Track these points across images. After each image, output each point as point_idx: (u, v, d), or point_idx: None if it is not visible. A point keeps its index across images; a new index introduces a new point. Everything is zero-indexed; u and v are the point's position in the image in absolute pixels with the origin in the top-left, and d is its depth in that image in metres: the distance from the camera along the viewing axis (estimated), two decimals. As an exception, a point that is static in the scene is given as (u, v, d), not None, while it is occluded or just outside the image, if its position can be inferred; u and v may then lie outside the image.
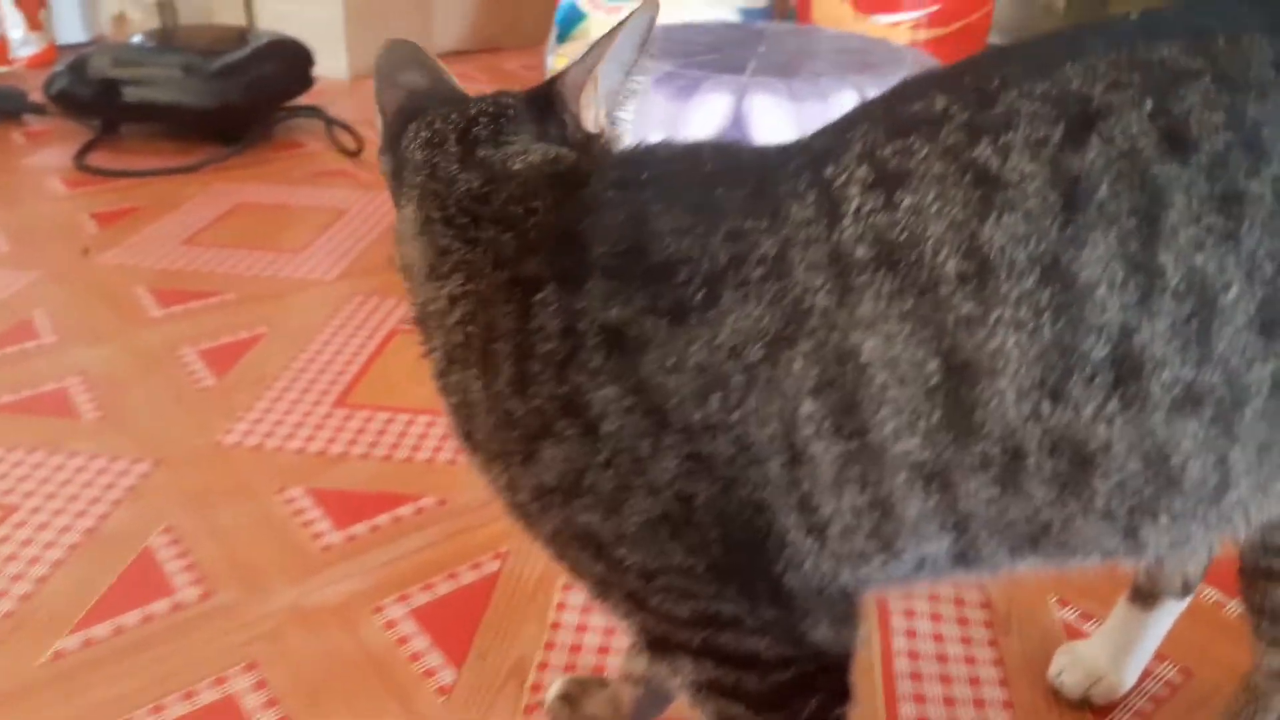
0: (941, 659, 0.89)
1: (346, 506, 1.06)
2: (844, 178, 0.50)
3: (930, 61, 1.69)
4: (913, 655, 0.89)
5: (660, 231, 0.52)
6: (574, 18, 2.40)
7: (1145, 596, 0.82)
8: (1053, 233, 0.47)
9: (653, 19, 0.60)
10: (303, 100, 2.22)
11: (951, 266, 0.48)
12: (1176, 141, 0.48)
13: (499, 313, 0.55)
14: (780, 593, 0.53)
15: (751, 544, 0.52)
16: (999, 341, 0.47)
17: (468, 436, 0.59)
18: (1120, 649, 0.84)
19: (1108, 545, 0.53)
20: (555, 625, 0.92)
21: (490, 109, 0.62)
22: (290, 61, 2.22)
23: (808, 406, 0.49)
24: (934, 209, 0.48)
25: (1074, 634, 0.91)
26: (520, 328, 0.54)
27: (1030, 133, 0.48)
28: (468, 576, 0.97)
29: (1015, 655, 0.89)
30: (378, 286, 1.54)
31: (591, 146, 0.61)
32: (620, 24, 0.59)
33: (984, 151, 0.48)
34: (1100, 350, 0.47)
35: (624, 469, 0.52)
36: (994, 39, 2.65)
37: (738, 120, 1.47)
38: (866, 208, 0.49)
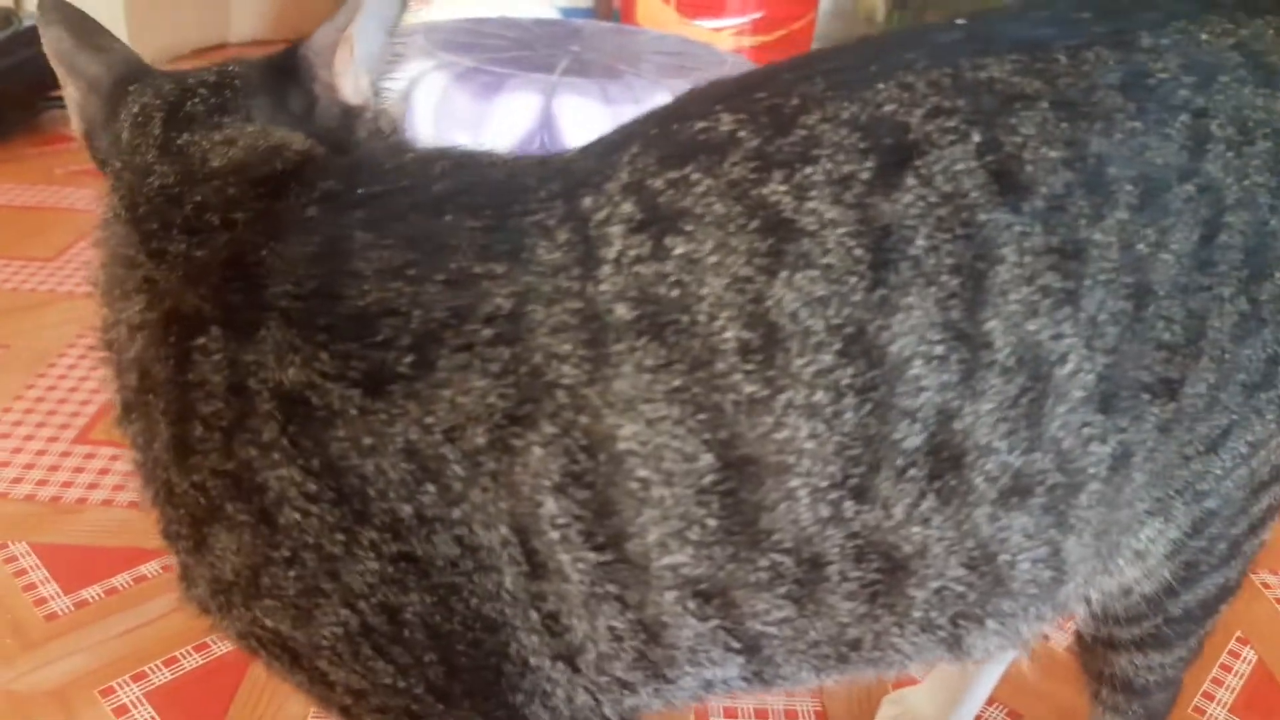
0: (760, 714, 0.81)
1: (80, 565, 0.90)
2: (605, 213, 0.40)
3: (749, 67, 1.64)
4: (729, 714, 0.81)
5: (360, 270, 0.40)
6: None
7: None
8: (858, 295, 0.38)
9: None
10: (70, 90, 1.99)
11: (731, 334, 0.38)
12: (1008, 183, 0.39)
13: (153, 357, 0.42)
14: None
15: (483, 668, 0.42)
16: (790, 430, 0.38)
17: (156, 502, 0.46)
18: (951, 696, 0.78)
19: (928, 655, 0.46)
20: (323, 701, 0.79)
21: (212, 79, 0.49)
22: (56, 47, 1.98)
23: (550, 507, 0.39)
24: (712, 260, 0.38)
25: (899, 680, 0.85)
26: (177, 379, 0.41)
27: (834, 169, 0.39)
28: (220, 646, 0.83)
29: (839, 704, 0.82)
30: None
31: (354, 124, 0.49)
32: None
33: (776, 190, 0.39)
34: (914, 439, 0.39)
35: (311, 569, 0.40)
36: (816, 48, 2.65)
37: (546, 123, 1.37)
38: (631, 254, 0.39)
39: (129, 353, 0.44)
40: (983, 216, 0.39)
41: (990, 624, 0.44)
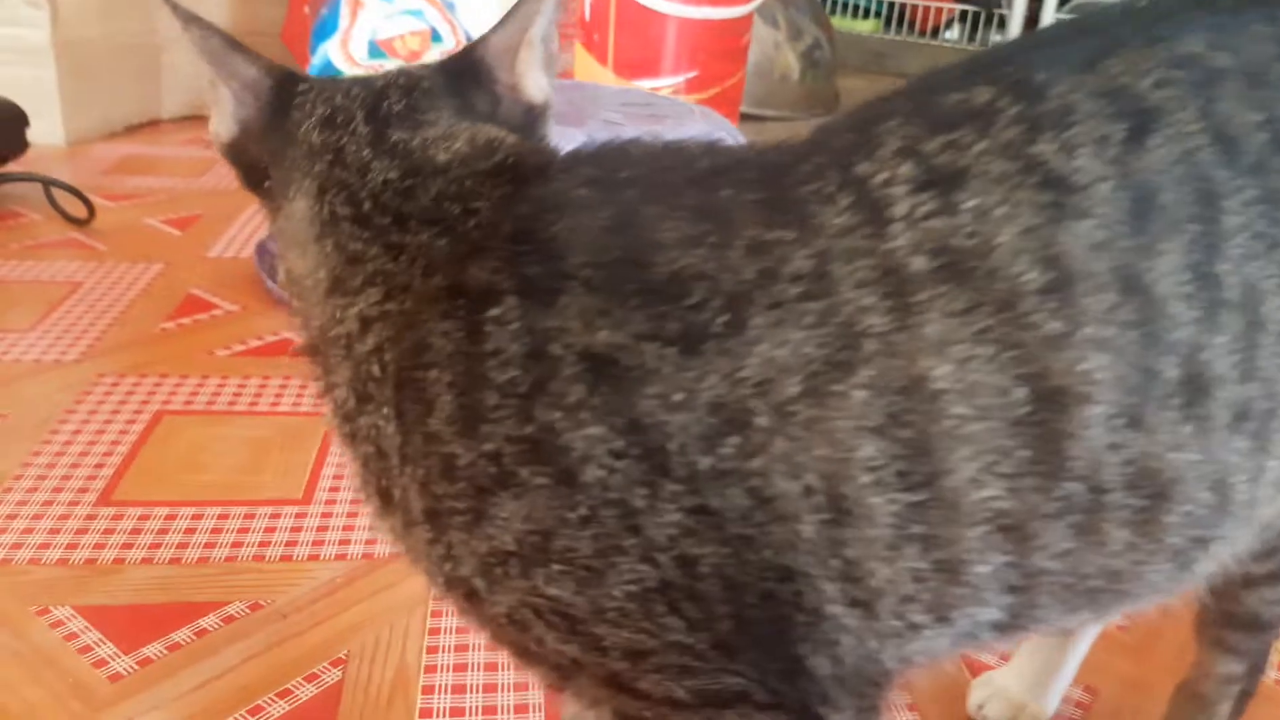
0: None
1: (132, 625, 0.86)
2: (885, 176, 0.43)
3: (716, 117, 1.68)
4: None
5: (661, 240, 0.42)
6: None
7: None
8: (1128, 241, 0.42)
9: None
10: (15, 167, 1.93)
11: (1031, 277, 0.41)
12: (1226, 144, 0.44)
13: (433, 331, 0.43)
14: (802, 673, 0.44)
15: (773, 619, 0.43)
16: (1088, 362, 0.41)
17: (383, 495, 0.46)
18: (1041, 675, 0.80)
19: (1162, 586, 0.48)
20: (424, 734, 0.77)
21: (401, 82, 0.51)
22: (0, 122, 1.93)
23: (867, 450, 0.41)
24: (1001, 212, 0.42)
25: (976, 667, 0.87)
26: (467, 350, 0.42)
27: (1091, 130, 0.43)
28: (304, 692, 0.80)
29: (923, 693, 0.84)
30: (131, 365, 1.32)
31: (537, 123, 0.52)
32: None
33: (1046, 149, 0.43)
34: (1173, 370, 0.43)
35: (610, 527, 0.41)
36: (744, 107, 2.74)
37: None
38: (920, 211, 0.42)
39: (363, 345, 0.45)
40: (1210, 172, 0.43)
41: (1212, 548, 0.47)
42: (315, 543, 0.99)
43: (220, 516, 1.02)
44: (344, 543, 0.99)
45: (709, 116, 1.64)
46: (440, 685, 0.81)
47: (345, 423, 0.47)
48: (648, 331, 0.41)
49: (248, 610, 0.89)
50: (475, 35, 2.28)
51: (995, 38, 3.83)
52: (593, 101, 1.75)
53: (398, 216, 0.46)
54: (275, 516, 1.02)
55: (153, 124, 2.56)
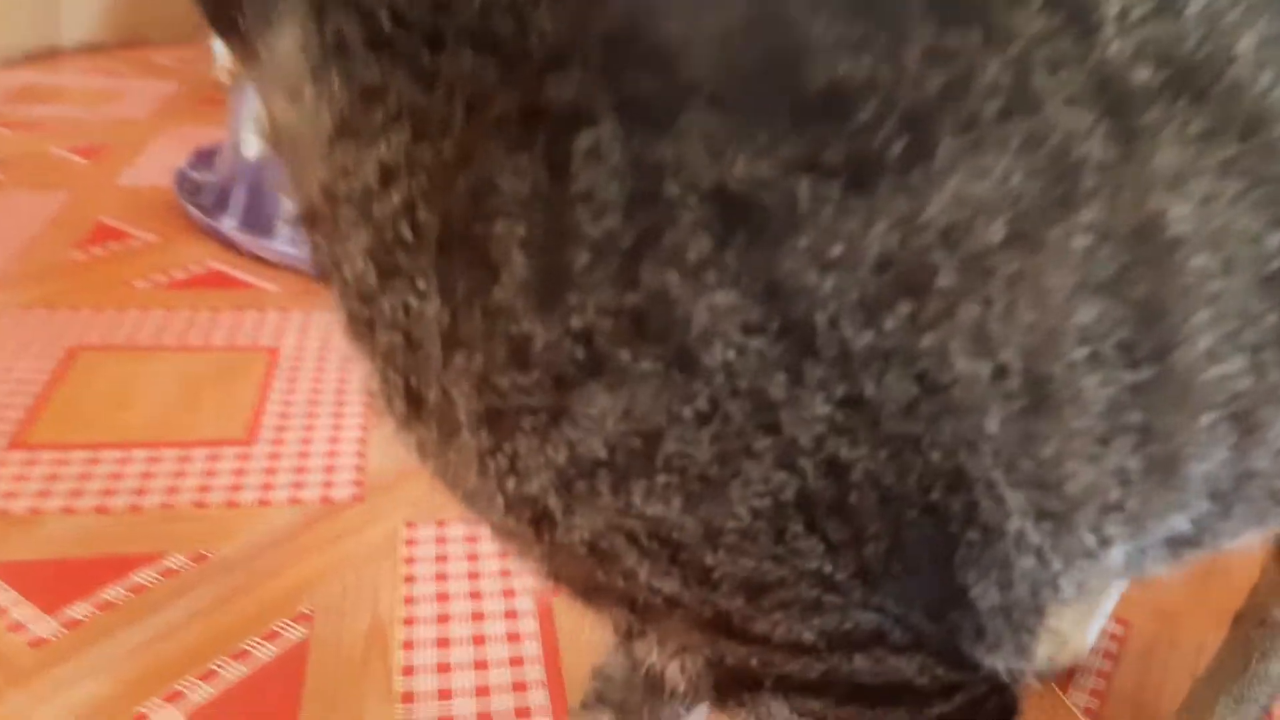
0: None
1: (55, 582, 0.75)
2: None
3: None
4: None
5: (814, 42, 0.31)
6: None
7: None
8: None
9: None
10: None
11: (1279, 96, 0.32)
12: None
13: (499, 169, 0.32)
14: (958, 606, 0.35)
15: (934, 540, 0.34)
16: None
17: (411, 399, 0.36)
18: (1083, 610, 0.73)
19: None
20: (408, 697, 0.67)
21: None
22: None
23: (1087, 314, 0.31)
24: (1234, 16, 0.32)
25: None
26: (547, 193, 0.31)
27: None
28: (263, 652, 0.70)
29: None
30: (40, 297, 1.18)
31: None
32: None
33: None
34: None
35: (738, 424, 0.31)
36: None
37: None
38: (1135, 13, 0.32)
39: (387, 201, 0.34)
40: None
41: None
42: (264, 486, 0.88)
43: (150, 460, 0.90)
44: (297, 485, 0.88)
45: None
46: (420, 639, 0.72)
47: (361, 305, 0.36)
48: (801, 160, 0.30)
49: (190, 562, 0.78)
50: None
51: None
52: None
53: (430, 35, 0.35)
54: (215, 459, 0.91)
55: (52, 53, 2.36)
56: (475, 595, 0.76)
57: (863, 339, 0.31)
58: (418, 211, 0.33)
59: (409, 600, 0.75)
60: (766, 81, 0.31)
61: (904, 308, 0.31)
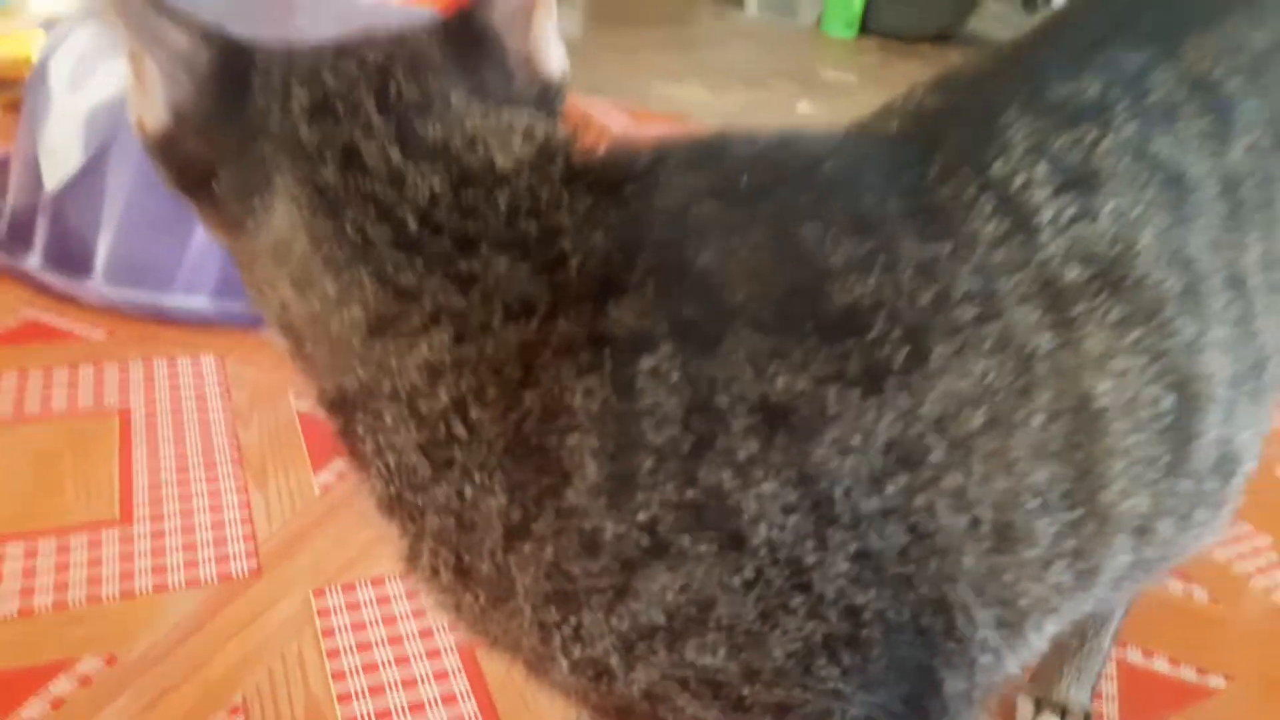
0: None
1: (-39, 706, 0.72)
2: (1022, 179, 0.41)
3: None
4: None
5: (832, 266, 0.38)
6: (-4, -11, 1.90)
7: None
8: (1230, 236, 0.44)
9: None
10: None
11: (1171, 283, 0.42)
12: (1276, 128, 0.46)
13: (569, 390, 0.37)
14: (934, 694, 0.44)
15: (922, 650, 0.42)
16: (1214, 364, 0.43)
17: (460, 571, 0.40)
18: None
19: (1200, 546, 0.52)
20: (362, 775, 0.71)
21: (404, 55, 0.42)
22: None
23: (1040, 476, 0.40)
24: (1137, 214, 0.42)
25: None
26: (616, 410, 0.37)
27: (1191, 126, 0.44)
28: (211, 755, 0.71)
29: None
30: None
31: (555, 105, 0.44)
32: None
33: (1164, 146, 0.43)
34: (1251, 356, 0.46)
35: (778, 587, 0.38)
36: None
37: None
38: (1065, 216, 0.41)
39: (435, 400, 0.38)
40: (1266, 160, 0.46)
41: (1243, 470, 0.50)
42: (156, 570, 0.87)
43: (28, 554, 0.87)
44: (190, 565, 0.88)
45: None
46: (359, 713, 0.75)
47: (412, 493, 0.40)
48: (830, 374, 0.37)
49: (104, 665, 0.77)
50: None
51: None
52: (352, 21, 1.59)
53: (460, 239, 0.38)
54: (95, 545, 0.89)
55: None
56: (402, 660, 0.80)
57: (870, 504, 0.38)
58: (469, 410, 0.38)
59: (338, 676, 0.78)
60: (796, 305, 0.38)
61: (902, 479, 0.39)
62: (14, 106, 1.82)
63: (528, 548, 0.38)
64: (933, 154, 0.43)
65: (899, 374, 0.38)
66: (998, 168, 0.42)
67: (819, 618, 0.39)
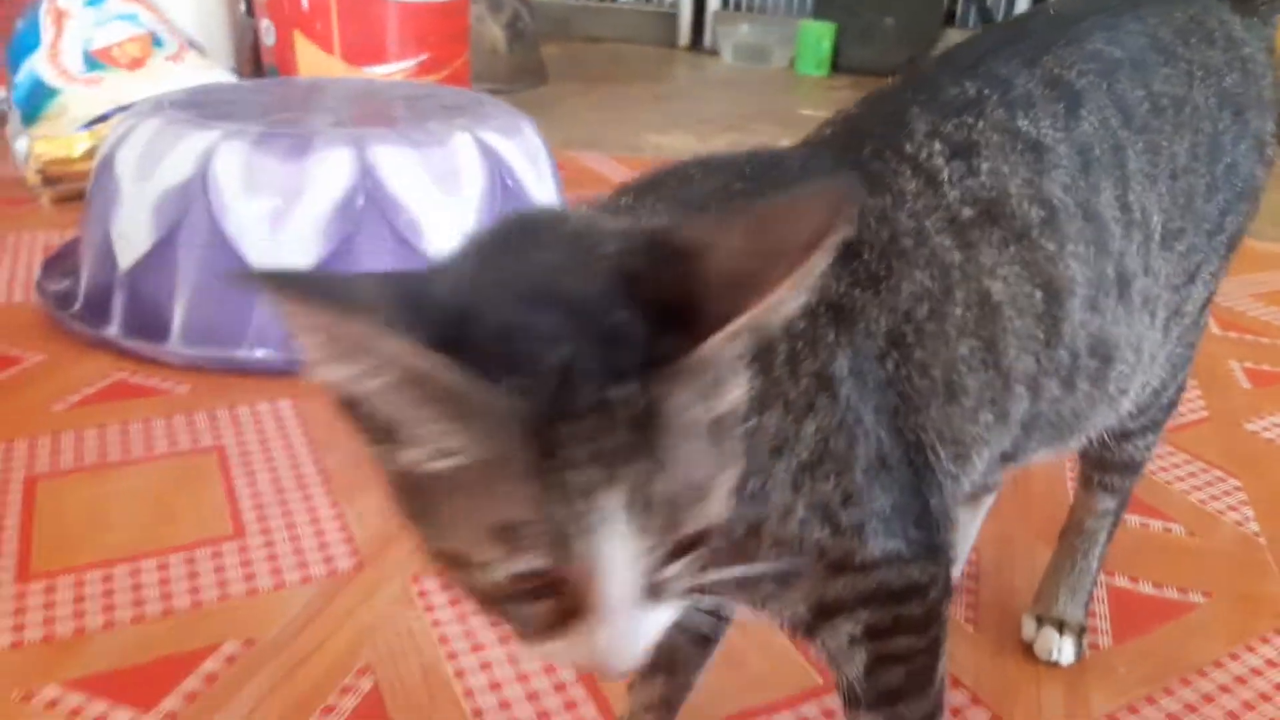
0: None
1: (133, 685, 0.86)
2: (925, 152, 0.59)
3: (502, 105, 1.72)
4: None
5: (862, 231, 0.57)
6: (41, 94, 2.08)
7: (971, 494, 0.99)
8: (1083, 183, 0.60)
9: None
10: None
11: (1034, 214, 0.59)
12: (1125, 111, 0.64)
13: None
14: (925, 516, 0.59)
15: (914, 478, 0.58)
16: (1073, 269, 0.60)
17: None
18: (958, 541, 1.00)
19: (1099, 422, 0.69)
20: (478, 713, 0.84)
21: None
22: None
23: (965, 348, 0.57)
24: (1005, 170, 0.59)
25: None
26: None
27: (1046, 108, 0.61)
28: (347, 704, 0.85)
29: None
30: (-38, 436, 1.22)
31: None
32: None
33: (1024, 124, 0.60)
34: (1111, 270, 0.62)
35: (849, 428, 0.55)
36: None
37: (366, 171, 1.42)
38: (956, 174, 0.58)
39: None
40: (1119, 132, 0.63)
41: (1130, 392, 0.69)
42: (273, 572, 1.01)
43: (160, 567, 1.01)
44: (302, 566, 1.02)
45: (499, 107, 1.70)
46: (467, 668, 0.88)
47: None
48: (851, 281, 0.55)
49: (244, 648, 0.90)
50: (193, 36, 2.16)
51: (673, -4, 4.10)
52: (378, 100, 1.76)
53: None
54: (217, 556, 1.03)
55: None
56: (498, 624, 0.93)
57: (879, 375, 0.56)
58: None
59: (444, 639, 0.92)
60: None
61: (894, 355, 0.56)
62: (62, 199, 1.99)
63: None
64: (863, 142, 0.60)
65: (883, 281, 0.56)
66: (909, 147, 0.59)
67: (869, 450, 0.56)
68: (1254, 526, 1.15)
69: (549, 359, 0.37)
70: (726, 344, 0.38)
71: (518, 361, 0.37)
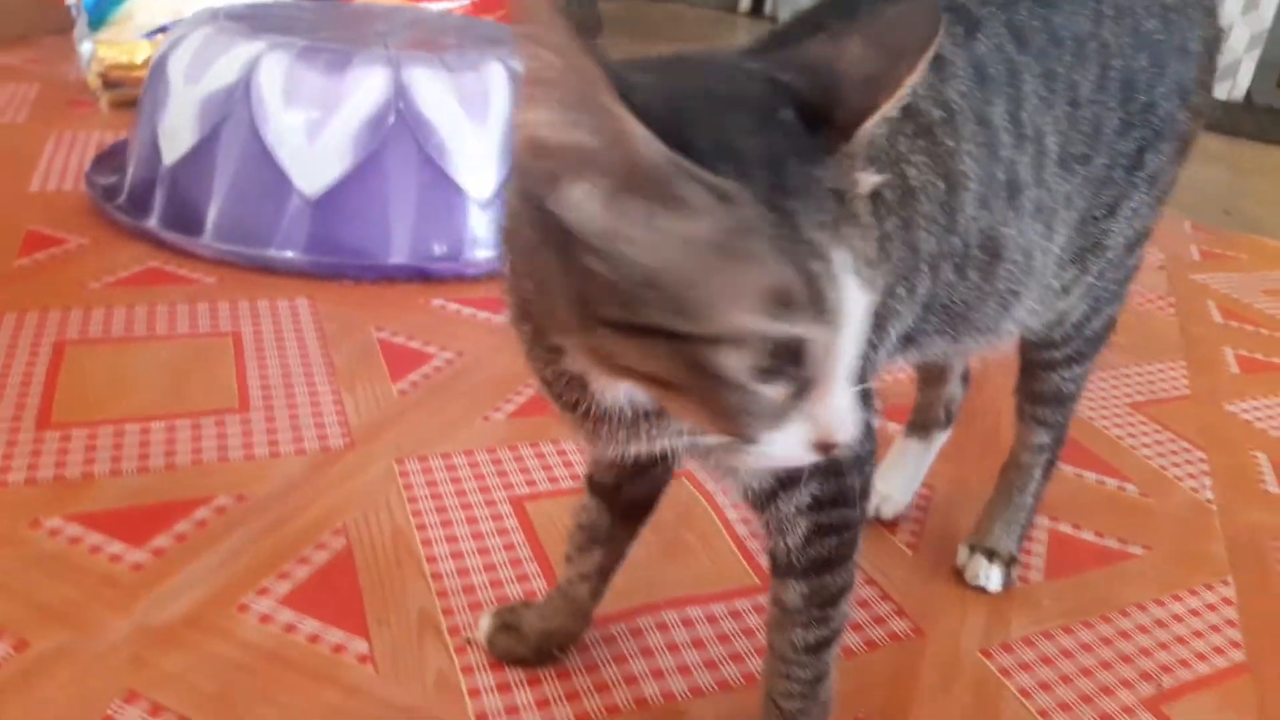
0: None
1: (129, 524, 0.94)
2: None
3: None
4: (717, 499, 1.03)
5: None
6: (108, 1, 2.17)
7: (921, 430, 1.04)
8: (978, 93, 0.67)
9: None
10: None
11: (935, 114, 0.65)
12: (1021, 40, 0.69)
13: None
14: (866, 392, 0.65)
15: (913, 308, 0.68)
16: (967, 165, 0.66)
17: None
18: (907, 476, 1.05)
19: (993, 325, 0.74)
20: (436, 576, 0.92)
21: None
22: None
23: (889, 224, 0.64)
24: (979, 94, 0.67)
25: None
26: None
27: (949, 29, 0.67)
28: (319, 557, 0.92)
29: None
30: (6, 303, 1.32)
31: None
32: None
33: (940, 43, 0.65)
34: (1002, 174, 0.68)
35: (922, 224, 0.65)
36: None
37: (400, 92, 1.49)
38: (921, 88, 0.65)
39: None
40: (1014, 56, 0.68)
41: (1025, 299, 0.74)
42: (270, 442, 1.09)
43: (168, 429, 1.09)
44: (297, 439, 1.10)
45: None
46: (433, 539, 0.96)
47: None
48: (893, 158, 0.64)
49: (235, 502, 0.99)
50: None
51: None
52: (431, 27, 1.82)
53: None
54: (220, 424, 1.11)
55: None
56: (466, 506, 1.01)
57: (891, 225, 0.64)
58: None
59: (416, 514, 0.99)
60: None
61: (891, 223, 0.63)
62: (120, 103, 2.09)
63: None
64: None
65: (898, 161, 0.64)
66: None
67: (946, 237, 0.66)
68: (1209, 495, 1.18)
69: (757, 148, 0.44)
70: (870, 133, 0.47)
71: (733, 150, 0.44)
